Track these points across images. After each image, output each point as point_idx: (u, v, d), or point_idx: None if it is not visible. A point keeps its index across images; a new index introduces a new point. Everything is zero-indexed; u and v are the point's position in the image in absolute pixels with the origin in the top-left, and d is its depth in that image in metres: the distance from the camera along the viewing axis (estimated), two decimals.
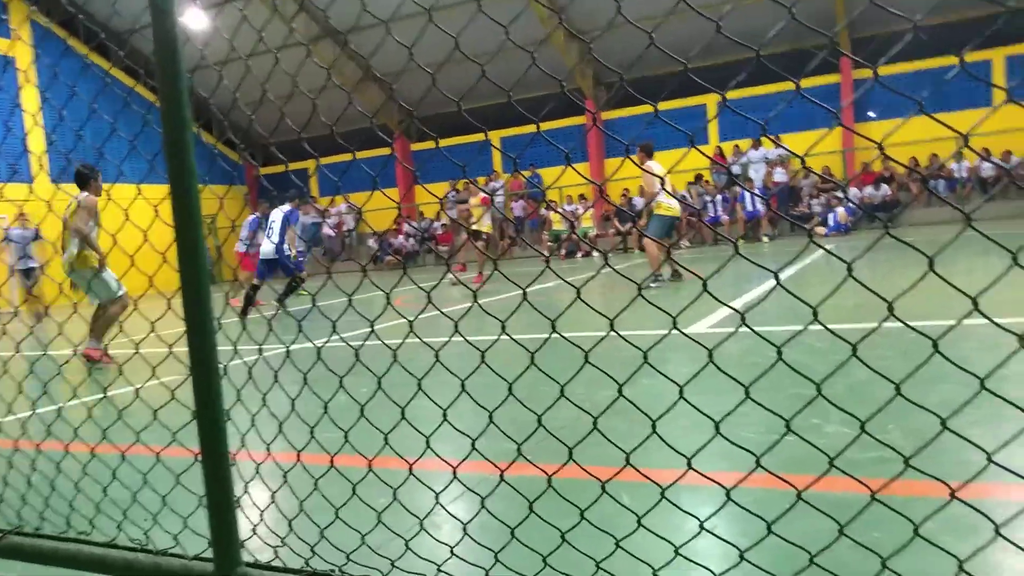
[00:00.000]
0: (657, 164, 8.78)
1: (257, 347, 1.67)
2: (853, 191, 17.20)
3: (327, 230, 21.74)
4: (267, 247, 9.05)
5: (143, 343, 1.92)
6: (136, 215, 1.76)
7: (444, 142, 22.06)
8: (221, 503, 1.63)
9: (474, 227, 11.29)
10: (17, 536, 1.98)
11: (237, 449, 1.66)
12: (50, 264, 5.63)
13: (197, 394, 1.63)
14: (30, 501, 2.13)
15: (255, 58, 1.68)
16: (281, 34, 19.92)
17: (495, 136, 22.46)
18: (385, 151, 23.40)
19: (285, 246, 9.24)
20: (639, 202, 19.15)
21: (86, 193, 6.39)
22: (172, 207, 1.66)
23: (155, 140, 1.69)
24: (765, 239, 16.90)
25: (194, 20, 17.08)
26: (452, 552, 1.55)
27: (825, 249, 1.13)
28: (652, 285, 8.66)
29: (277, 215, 9.33)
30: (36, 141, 18.14)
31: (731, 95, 1.18)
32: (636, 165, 8.52)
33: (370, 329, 1.55)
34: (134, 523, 2.03)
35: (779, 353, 1.22)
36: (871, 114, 18.67)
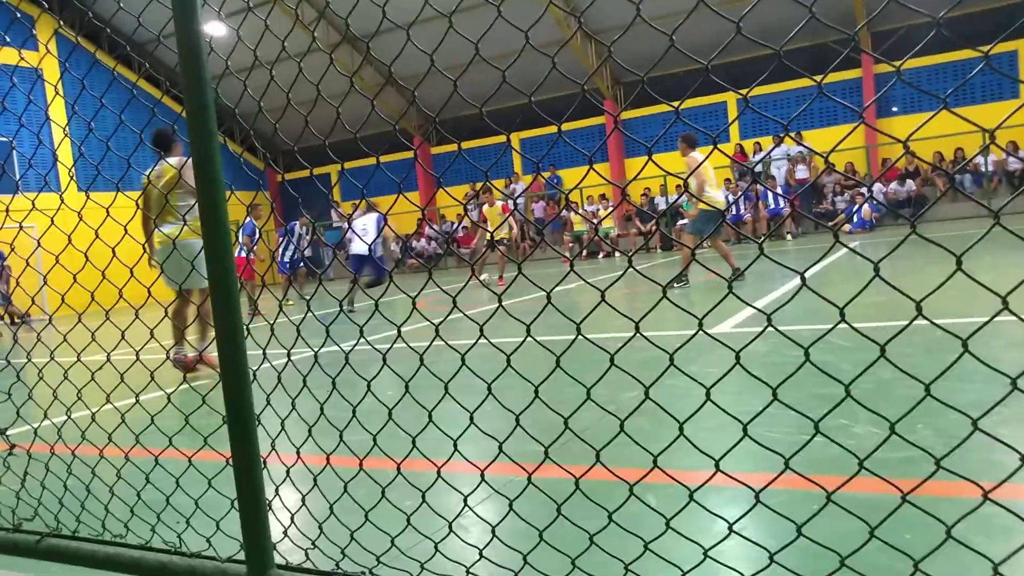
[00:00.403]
0: (701, 155, 8.44)
1: (286, 351, 1.70)
2: (877, 187, 17.02)
3: (352, 236, 21.83)
4: (360, 246, 10.07)
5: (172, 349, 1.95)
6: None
7: (464, 145, 22.11)
8: (252, 506, 1.66)
9: (492, 233, 11.68)
10: (55, 539, 2.02)
11: (267, 453, 1.68)
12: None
13: (228, 399, 1.66)
14: (67, 505, 2.17)
15: (277, 66, 1.70)
16: (300, 42, 20.10)
17: (515, 138, 22.49)
18: (406, 155, 23.51)
19: (377, 246, 10.61)
20: (661, 202, 19.08)
21: (179, 157, 5.72)
22: (201, 216, 1.69)
23: (184, 148, 1.72)
24: (789, 237, 16.77)
25: (216, 29, 17.28)
26: (481, 554, 1.56)
27: (850, 248, 1.12)
28: (676, 286, 8.53)
29: (369, 219, 10.60)
30: (65, 153, 18.44)
31: (751, 93, 1.18)
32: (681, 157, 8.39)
33: (396, 333, 1.56)
34: (168, 526, 2.06)
35: (807, 354, 1.22)
36: (894, 109, 18.47)
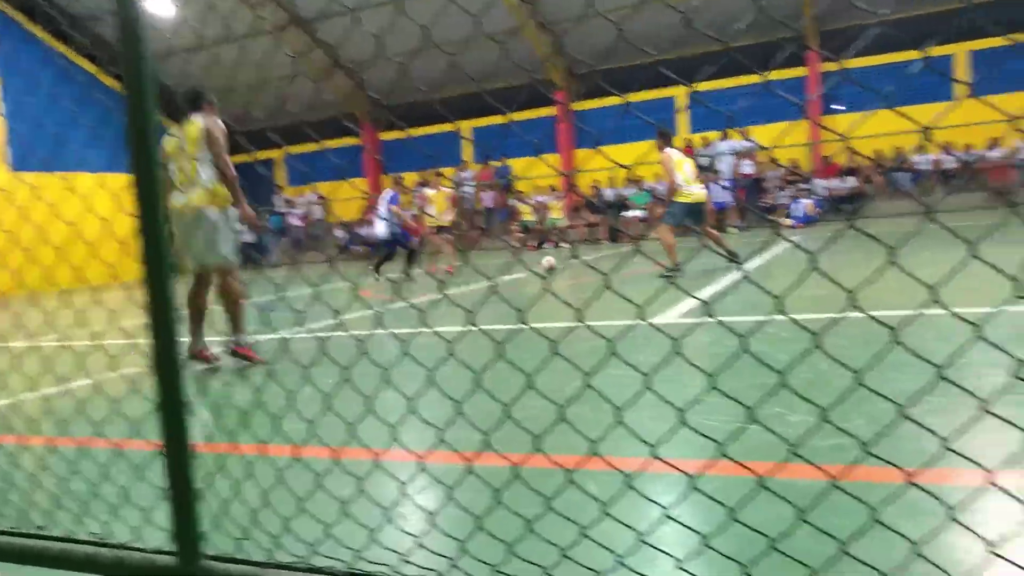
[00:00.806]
0: (676, 152, 8.59)
1: (222, 339, 1.65)
2: (819, 183, 17.43)
3: (294, 220, 21.53)
4: (380, 228, 10.82)
5: (103, 334, 1.89)
6: (98, 204, 1.72)
7: (414, 131, 21.93)
8: (183, 495, 1.61)
9: (434, 221, 12.00)
10: None
11: (200, 441, 1.64)
12: None
13: (159, 386, 1.61)
14: None
15: (223, 47, 1.65)
16: (248, 23, 19.62)
17: (466, 126, 22.38)
18: (354, 140, 23.20)
19: (395, 223, 11.01)
20: (610, 194, 19.22)
21: (205, 116, 4.95)
22: (134, 196, 1.63)
23: (117, 129, 1.65)
24: (733, 230, 17.06)
25: (159, 7, 16.78)
26: (419, 542, 1.55)
27: (789, 240, 1.14)
28: (667, 274, 8.32)
29: (382, 200, 11.19)
30: None
31: (700, 87, 1.18)
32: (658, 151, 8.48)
33: (337, 320, 1.54)
34: (94, 517, 2.00)
35: (743, 343, 1.23)
36: (837, 107, 18.91)
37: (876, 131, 15.96)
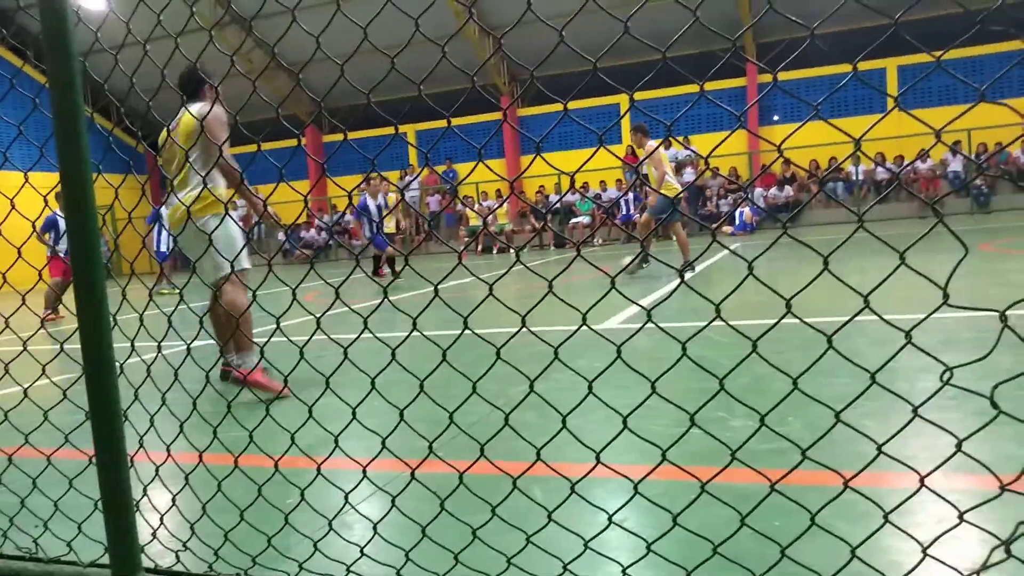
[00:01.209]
0: (657, 143, 8.68)
1: (156, 344, 1.61)
2: (758, 191, 17.86)
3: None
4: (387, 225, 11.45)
5: (31, 340, 1.82)
6: (24, 204, 1.66)
7: (359, 134, 21.72)
8: (118, 506, 1.56)
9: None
10: None
11: (135, 450, 1.58)
12: None
13: (91, 393, 1.55)
14: None
15: (154, 43, 1.61)
16: (183, 17, 19.12)
17: (411, 129, 22.26)
18: (294, 142, 22.83)
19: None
20: (554, 199, 19.35)
21: (203, 104, 4.21)
22: (64, 197, 1.58)
23: (46, 125, 1.59)
24: (674, 237, 17.36)
25: (92, 1, 16.28)
26: (362, 552, 1.53)
27: (728, 248, 1.16)
28: (687, 272, 8.24)
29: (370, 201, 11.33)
30: None
31: (642, 96, 1.19)
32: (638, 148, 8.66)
33: (275, 326, 1.51)
34: (22, 530, 1.92)
35: (683, 349, 1.25)
36: (775, 118, 19.43)
37: (811, 142, 16.46)
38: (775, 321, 1.23)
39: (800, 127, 1.17)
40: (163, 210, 12.29)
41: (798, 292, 1.13)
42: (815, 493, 2.09)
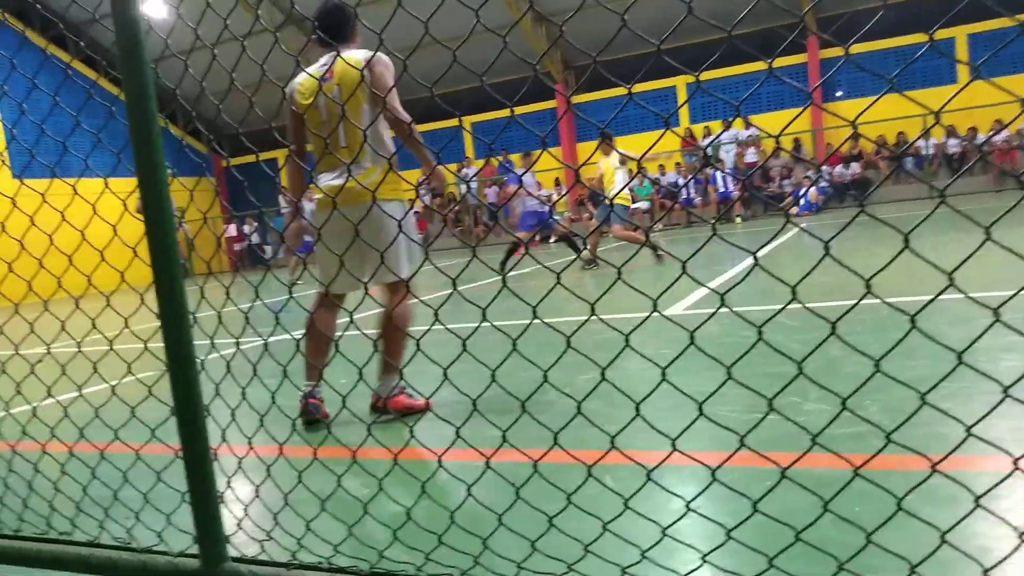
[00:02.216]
0: (616, 156, 9.41)
1: (234, 340, 1.65)
2: (824, 170, 17.38)
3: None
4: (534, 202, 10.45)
5: (116, 339, 1.89)
6: (104, 209, 1.72)
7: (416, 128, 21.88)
8: (204, 499, 1.61)
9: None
10: None
11: (218, 444, 1.64)
12: None
13: (175, 389, 1.61)
14: (8, 503, 2.09)
15: (219, 47, 1.65)
16: (245, 22, 19.59)
17: (465, 122, 22.34)
18: None
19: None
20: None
21: (357, 49, 3.36)
22: (142, 201, 1.63)
23: (121, 133, 1.65)
24: (738, 219, 17.04)
25: (156, 10, 16.77)
26: (440, 540, 1.55)
27: (802, 228, 1.13)
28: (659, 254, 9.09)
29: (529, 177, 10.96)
30: None
31: (701, 77, 1.17)
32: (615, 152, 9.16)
33: (349, 319, 1.53)
34: (116, 522, 2.01)
35: (759, 333, 1.23)
36: (839, 93, 18.86)
37: (878, 117, 15.92)
38: (854, 302, 1.20)
39: (875, 101, 1.13)
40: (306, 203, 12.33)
41: (878, 272, 1.10)
42: (897, 477, 2.03)
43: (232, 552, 1.66)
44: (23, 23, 18.14)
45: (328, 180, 3.19)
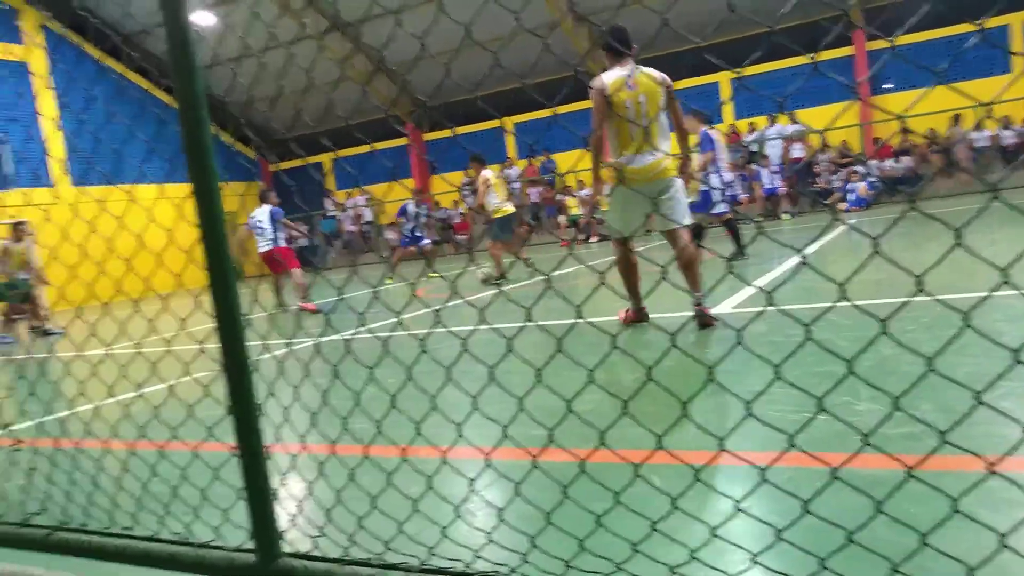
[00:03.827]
0: (490, 172, 10.09)
1: (286, 341, 1.69)
2: (874, 165, 17.01)
3: (348, 225, 21.86)
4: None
5: (173, 340, 1.95)
6: (159, 214, 1.78)
7: (457, 130, 22.02)
8: (259, 495, 1.66)
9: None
10: (64, 532, 2.02)
11: (272, 442, 1.68)
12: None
13: (230, 389, 1.65)
14: (74, 498, 2.17)
15: (265, 55, 1.69)
16: (288, 31, 19.90)
17: (508, 122, 22.38)
18: (398, 142, 23.42)
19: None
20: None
21: (650, 70, 4.74)
22: (195, 206, 1.68)
23: (172, 140, 1.70)
24: (785, 216, 16.76)
25: (204, 19, 17.14)
26: (489, 537, 1.57)
27: (850, 225, 1.12)
28: (494, 282, 9.61)
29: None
30: (56, 146, 18.31)
31: (744, 72, 1.17)
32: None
33: (397, 320, 1.56)
34: (175, 517, 2.07)
35: (808, 332, 1.22)
36: (886, 86, 18.43)
37: (929, 109, 15.51)
38: (906, 299, 1.18)
39: (921, 97, 1.11)
40: (410, 205, 12.72)
41: (930, 268, 1.08)
42: (951, 479, 1.99)
43: (286, 548, 1.70)
44: (80, 36, 18.71)
45: (639, 161, 4.56)
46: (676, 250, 4.59)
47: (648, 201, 4.53)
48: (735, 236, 8.99)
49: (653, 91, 4.50)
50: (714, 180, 8.69)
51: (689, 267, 4.52)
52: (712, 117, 9.66)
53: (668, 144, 4.72)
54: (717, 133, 8.79)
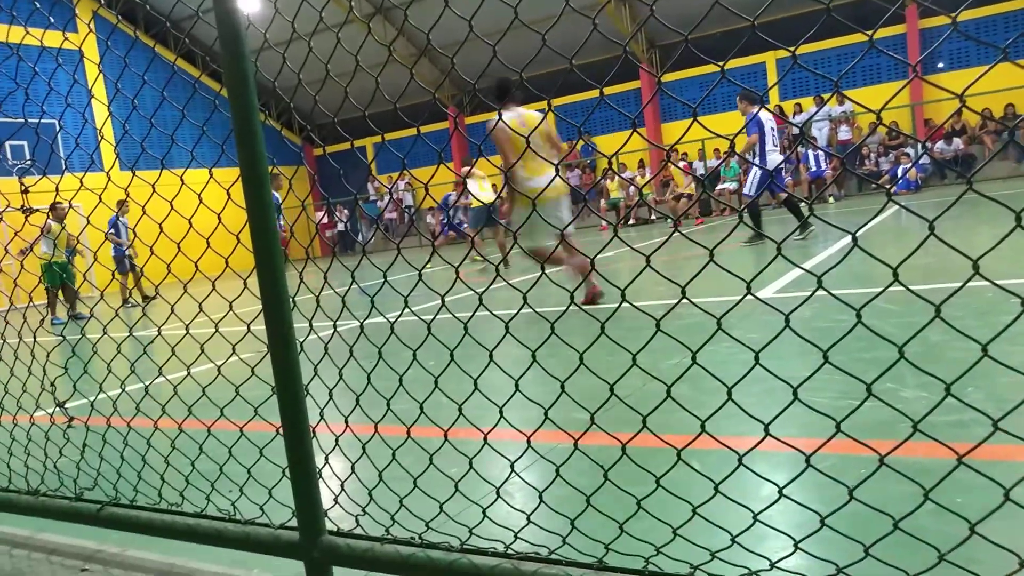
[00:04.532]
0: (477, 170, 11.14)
1: (332, 323, 1.72)
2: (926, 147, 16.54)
3: (388, 212, 22.04)
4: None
5: (222, 322, 1.99)
6: (209, 198, 1.81)
7: (492, 115, 21.96)
8: (303, 474, 1.69)
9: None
10: (115, 507, 2.09)
11: (316, 422, 1.71)
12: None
13: (276, 370, 1.69)
14: (124, 475, 2.24)
15: (298, 42, 1.71)
16: (331, 17, 20.02)
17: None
18: (438, 126, 23.47)
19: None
20: (699, 167, 18.84)
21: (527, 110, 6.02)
22: (244, 191, 1.71)
23: (221, 126, 1.73)
24: (831, 199, 16.44)
25: (251, 4, 17.30)
26: (529, 519, 1.58)
27: (903, 206, 1.09)
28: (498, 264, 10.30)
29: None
30: (108, 131, 18.73)
31: (790, 52, 1.15)
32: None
33: (440, 303, 1.57)
34: (222, 494, 2.12)
35: (859, 316, 1.20)
36: (940, 65, 17.89)
37: (982, 89, 15.01)
38: (959, 284, 1.15)
39: (987, 72, 1.07)
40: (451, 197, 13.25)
41: (988, 251, 1.05)
42: (1003, 468, 1.95)
43: (329, 526, 1.73)
44: (130, 24, 19.08)
45: (540, 183, 5.61)
46: (569, 253, 5.60)
47: (552, 214, 5.62)
48: (795, 212, 8.85)
49: (538, 126, 5.56)
50: (769, 159, 8.56)
51: (580, 270, 5.61)
52: (762, 99, 9.45)
53: (552, 169, 5.61)
54: (767, 115, 8.62)
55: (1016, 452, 2.03)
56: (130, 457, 2.27)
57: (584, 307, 5.38)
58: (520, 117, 5.78)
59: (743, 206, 7.76)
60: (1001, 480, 1.17)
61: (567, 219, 5.80)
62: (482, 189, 11.35)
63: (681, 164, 19.08)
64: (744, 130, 8.66)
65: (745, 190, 9.60)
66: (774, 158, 8.68)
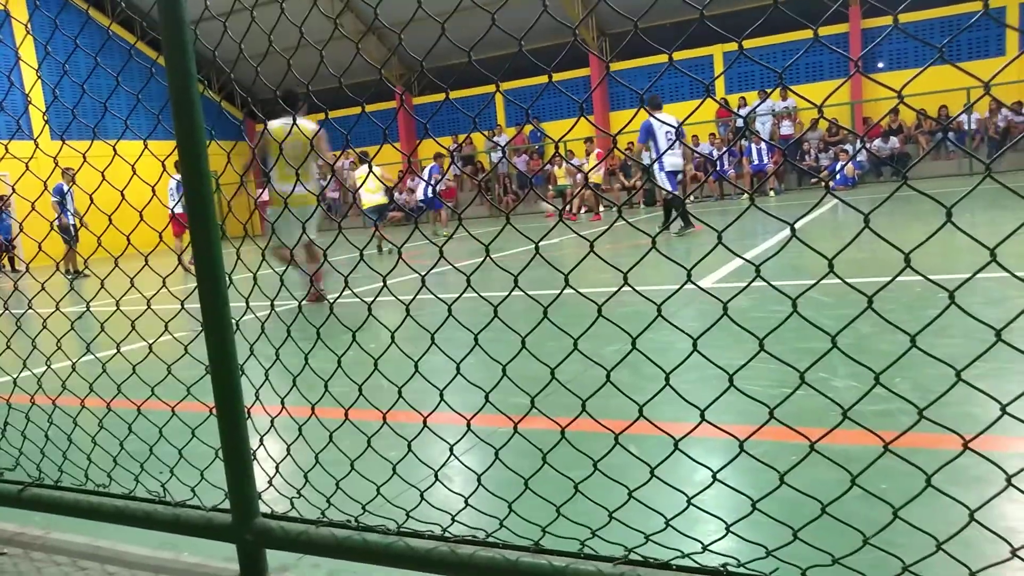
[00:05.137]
0: (364, 167, 11.61)
1: (269, 302, 1.68)
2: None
3: (330, 191, 21.67)
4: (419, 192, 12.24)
5: (154, 299, 1.93)
6: (143, 171, 1.75)
7: (444, 95, 21.79)
8: (237, 456, 1.65)
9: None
10: (37, 488, 2.01)
11: (252, 403, 1.67)
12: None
13: (211, 349, 1.64)
14: (49, 455, 2.16)
15: (254, 11, 1.65)
16: None
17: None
18: (384, 105, 23.16)
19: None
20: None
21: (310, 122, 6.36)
22: (181, 164, 1.65)
23: (158, 97, 1.67)
24: (772, 193, 16.80)
25: None
26: (467, 502, 1.58)
27: (844, 202, 1.12)
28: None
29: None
30: (38, 97, 17.94)
31: (736, 46, 1.16)
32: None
33: (382, 284, 1.55)
34: (152, 476, 2.06)
35: (794, 306, 1.22)
36: (880, 64, 18.42)
37: (919, 90, 15.51)
38: (890, 278, 1.18)
39: (923, 70, 1.10)
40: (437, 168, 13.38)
41: (919, 245, 1.08)
42: (925, 455, 2.02)
43: (263, 508, 1.70)
44: None
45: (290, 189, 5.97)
46: (309, 255, 6.17)
47: (293, 220, 5.83)
48: (667, 213, 9.79)
49: (306, 138, 5.61)
50: (667, 161, 9.39)
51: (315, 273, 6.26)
52: (660, 102, 10.19)
53: (313, 181, 6.49)
54: (659, 122, 8.93)
55: (938, 440, 2.11)
56: (55, 436, 2.19)
57: (309, 303, 5.72)
58: (287, 126, 5.83)
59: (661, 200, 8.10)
60: (924, 467, 1.21)
61: (312, 227, 6.16)
62: (371, 191, 11.58)
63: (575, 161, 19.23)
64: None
65: (665, 191, 10.36)
66: (673, 160, 9.43)
